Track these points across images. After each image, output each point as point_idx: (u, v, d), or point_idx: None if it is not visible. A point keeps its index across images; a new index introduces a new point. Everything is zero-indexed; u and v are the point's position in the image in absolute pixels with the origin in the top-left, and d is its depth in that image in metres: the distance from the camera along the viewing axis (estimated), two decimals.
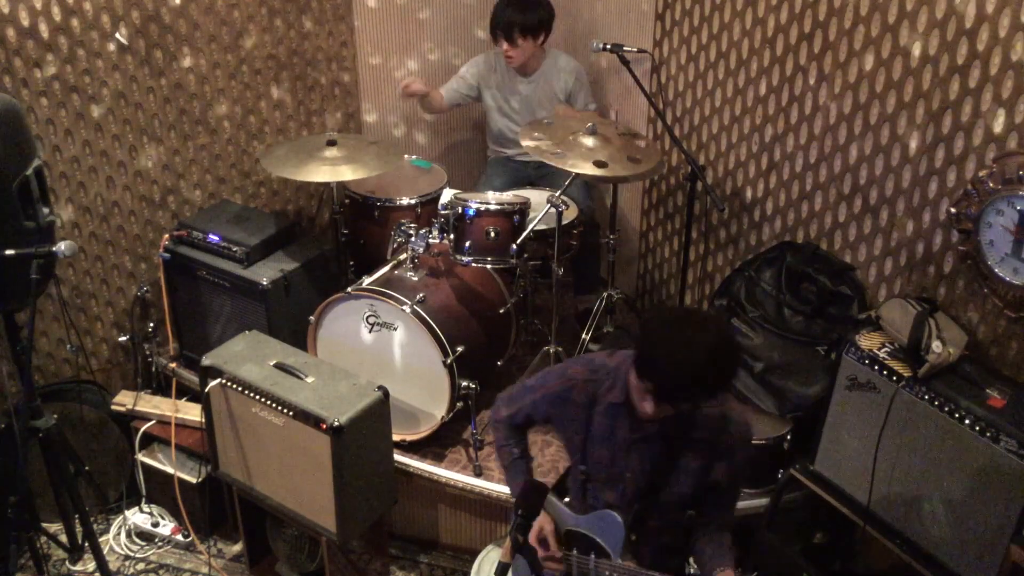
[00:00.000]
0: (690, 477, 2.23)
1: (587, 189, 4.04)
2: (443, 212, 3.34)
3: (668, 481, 2.24)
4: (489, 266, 3.39)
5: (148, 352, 3.83)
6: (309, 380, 2.96)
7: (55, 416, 2.98)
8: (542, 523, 2.35)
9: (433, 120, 4.48)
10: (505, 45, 3.88)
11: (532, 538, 2.35)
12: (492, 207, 3.28)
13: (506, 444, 2.50)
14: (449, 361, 3.21)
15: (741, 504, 3.22)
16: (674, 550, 2.39)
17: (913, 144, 2.88)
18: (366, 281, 3.36)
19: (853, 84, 3.03)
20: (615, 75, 4.16)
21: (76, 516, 3.17)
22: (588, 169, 3.22)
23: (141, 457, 3.59)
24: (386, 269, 3.45)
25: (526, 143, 3.32)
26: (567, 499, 2.48)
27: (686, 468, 2.22)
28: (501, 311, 3.54)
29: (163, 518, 3.60)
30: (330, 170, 3.43)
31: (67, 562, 3.41)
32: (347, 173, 3.44)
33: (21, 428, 2.87)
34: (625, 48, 3.62)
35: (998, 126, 2.59)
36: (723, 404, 2.22)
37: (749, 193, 3.58)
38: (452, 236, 3.30)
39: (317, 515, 3.01)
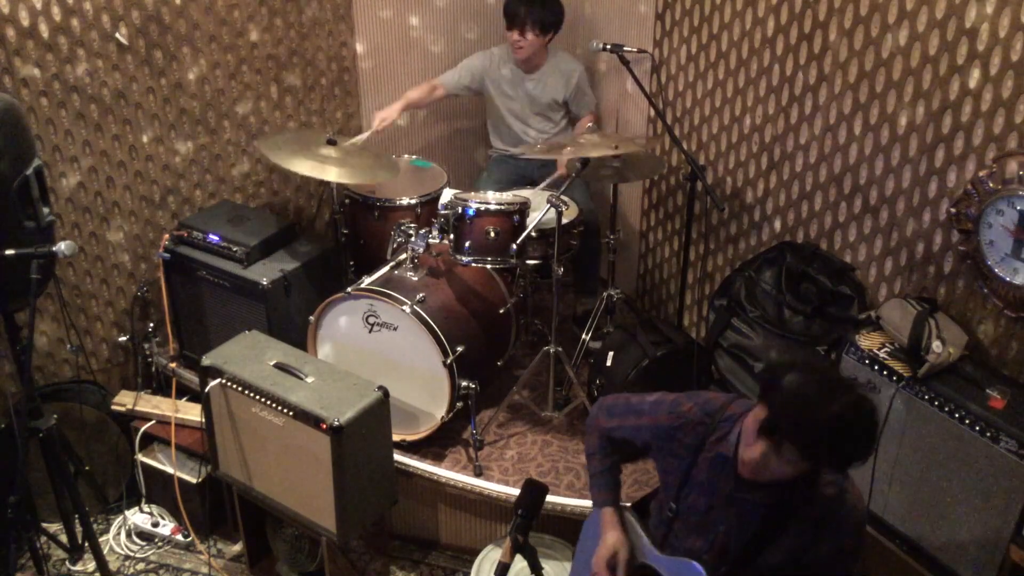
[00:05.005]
0: (785, 551, 2.09)
1: (587, 189, 4.04)
2: (443, 212, 3.34)
3: (763, 550, 2.10)
4: (489, 266, 3.39)
5: (148, 352, 3.83)
6: (309, 380, 2.96)
7: (55, 416, 2.98)
8: (617, 547, 2.25)
9: (434, 120, 4.48)
10: (516, 35, 3.89)
11: (601, 561, 2.25)
12: (492, 207, 3.28)
13: (597, 453, 2.38)
14: (449, 361, 3.21)
15: None
16: None
17: (913, 144, 2.88)
18: (366, 281, 3.36)
19: (853, 84, 3.03)
20: (615, 75, 4.17)
21: (76, 516, 3.17)
22: (602, 150, 3.20)
23: (141, 457, 3.59)
24: (386, 269, 3.45)
25: (532, 156, 3.30)
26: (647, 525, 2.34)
27: (786, 543, 2.08)
28: (501, 311, 3.54)
29: (163, 518, 3.60)
30: (319, 167, 3.38)
31: (67, 562, 3.41)
32: (346, 177, 3.41)
33: (21, 428, 2.87)
34: (625, 48, 3.62)
35: (998, 126, 2.60)
36: (842, 487, 2.07)
37: (749, 193, 3.59)
38: (452, 236, 3.30)
39: (317, 515, 3.01)
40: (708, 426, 2.14)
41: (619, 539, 2.28)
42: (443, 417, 3.33)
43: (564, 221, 3.38)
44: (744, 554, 2.13)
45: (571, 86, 4.06)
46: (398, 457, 3.31)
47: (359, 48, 4.16)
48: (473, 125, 4.57)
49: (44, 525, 3.35)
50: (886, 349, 2.77)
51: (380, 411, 2.96)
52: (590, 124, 3.42)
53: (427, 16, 4.27)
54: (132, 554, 3.54)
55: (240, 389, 2.98)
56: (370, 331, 3.33)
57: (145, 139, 3.68)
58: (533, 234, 3.32)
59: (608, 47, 3.63)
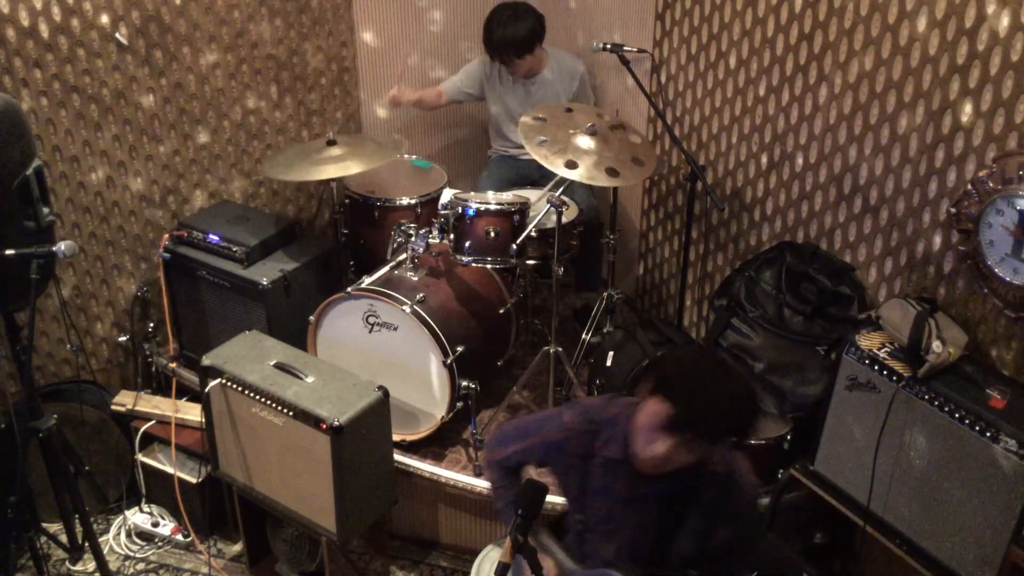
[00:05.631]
0: (693, 538, 2.14)
1: (588, 188, 4.04)
2: (443, 212, 3.34)
3: (671, 542, 2.15)
4: (489, 266, 3.39)
5: (148, 352, 3.83)
6: (309, 380, 2.96)
7: (55, 416, 2.98)
8: (547, 567, 2.25)
9: (433, 120, 4.48)
10: (509, 68, 3.92)
11: None
12: (492, 207, 3.28)
13: (501, 486, 2.41)
14: (449, 361, 3.21)
15: None
16: None
17: (913, 144, 2.88)
18: (366, 281, 3.36)
19: (853, 84, 3.03)
20: (615, 75, 4.16)
21: (76, 516, 3.17)
22: (602, 180, 3.20)
23: (141, 457, 3.59)
24: (386, 269, 3.46)
25: (539, 160, 3.27)
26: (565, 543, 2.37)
27: (690, 529, 2.13)
28: (501, 311, 3.54)
29: (163, 518, 3.60)
30: (332, 167, 3.44)
31: (67, 562, 3.41)
32: (352, 167, 3.45)
33: (21, 428, 2.87)
34: (625, 48, 3.62)
35: (998, 126, 2.59)
36: (730, 463, 2.13)
37: (749, 193, 3.58)
38: (452, 236, 3.30)
39: (317, 515, 3.01)
40: (592, 433, 2.17)
41: (545, 560, 2.28)
42: (443, 417, 3.33)
43: (564, 221, 3.37)
44: (655, 551, 2.17)
45: (575, 86, 4.05)
46: (398, 457, 3.31)
47: (359, 47, 4.16)
48: (473, 125, 4.57)
49: (44, 525, 3.35)
50: (886, 349, 2.77)
51: (380, 411, 2.96)
52: (590, 123, 3.41)
53: (429, 15, 4.27)
54: (132, 554, 3.54)
55: (240, 389, 2.98)
56: (370, 331, 3.33)
57: (145, 139, 3.68)
58: (533, 234, 3.32)
59: (608, 47, 3.62)
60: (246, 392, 2.97)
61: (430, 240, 3.41)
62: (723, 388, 1.97)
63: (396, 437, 3.28)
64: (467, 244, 3.29)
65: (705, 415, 1.95)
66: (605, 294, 3.82)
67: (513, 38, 3.83)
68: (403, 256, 3.47)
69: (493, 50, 3.90)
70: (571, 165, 3.19)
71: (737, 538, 2.17)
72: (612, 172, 3.21)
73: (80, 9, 3.36)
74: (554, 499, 3.07)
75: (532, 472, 2.40)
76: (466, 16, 4.33)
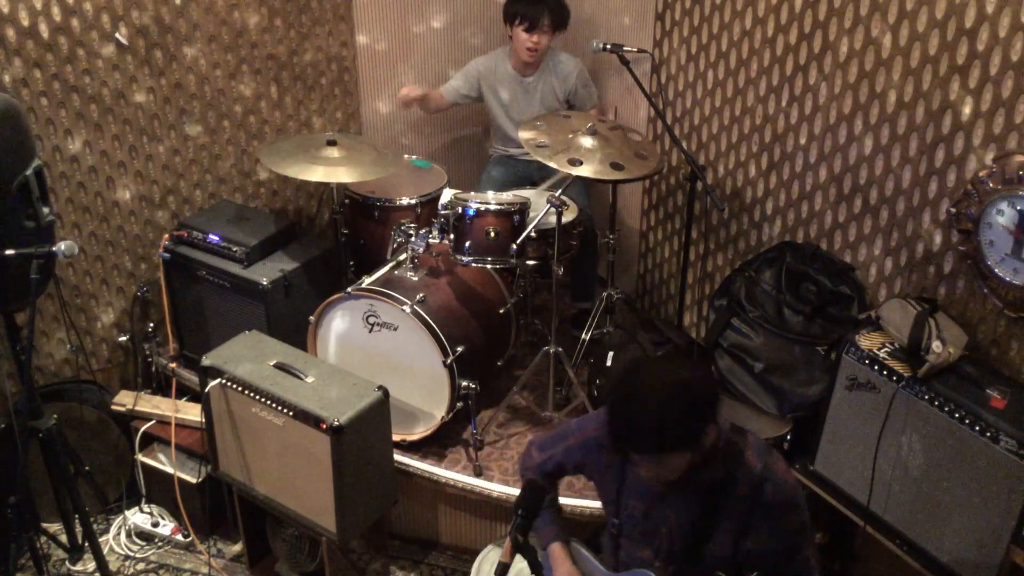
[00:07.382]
0: (729, 537, 2.11)
1: (584, 192, 4.04)
2: (443, 212, 3.34)
3: (707, 540, 2.12)
4: (489, 266, 3.39)
5: (148, 352, 3.83)
6: (309, 380, 2.96)
7: (55, 416, 2.98)
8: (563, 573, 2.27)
9: (433, 119, 4.47)
10: (534, 37, 3.85)
11: None
12: (492, 207, 3.28)
13: None
14: (449, 361, 3.21)
15: None
16: None
17: (913, 144, 2.88)
18: (366, 281, 3.36)
19: (853, 84, 3.03)
20: (615, 75, 4.16)
21: (76, 516, 3.17)
22: (605, 173, 3.20)
23: (141, 457, 3.59)
24: (386, 269, 3.45)
25: (543, 161, 3.26)
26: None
27: (725, 527, 2.10)
28: (501, 311, 3.54)
29: (163, 518, 3.60)
30: (327, 171, 3.43)
31: (67, 562, 3.41)
32: (344, 175, 3.44)
33: (21, 428, 2.87)
34: (625, 48, 3.62)
35: (998, 126, 2.59)
36: (765, 459, 2.11)
37: (749, 193, 3.58)
38: (452, 236, 3.30)
39: (317, 515, 3.01)
40: None
41: (569, 571, 2.29)
42: (443, 417, 3.33)
43: (564, 221, 3.37)
44: (690, 549, 2.15)
45: (569, 85, 4.05)
46: (398, 457, 3.31)
47: (359, 48, 4.16)
48: (474, 124, 4.57)
49: (44, 525, 3.35)
50: (886, 349, 2.77)
51: (380, 411, 2.96)
52: (589, 124, 3.41)
53: (428, 13, 4.27)
54: (132, 554, 3.54)
55: (240, 389, 2.98)
56: (370, 331, 3.33)
57: (145, 139, 3.68)
58: (533, 234, 3.32)
59: (608, 47, 3.62)
60: (246, 392, 2.97)
61: (430, 240, 3.40)
62: (621, 406, 1.95)
63: (396, 437, 3.28)
64: (467, 244, 3.29)
65: (617, 439, 1.97)
66: (605, 294, 3.82)
67: (557, 8, 3.86)
68: (403, 256, 3.46)
69: (531, 8, 3.83)
70: (575, 163, 3.19)
71: (781, 540, 2.11)
72: (617, 166, 3.21)
73: (80, 9, 3.36)
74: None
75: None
76: (468, 15, 4.33)
